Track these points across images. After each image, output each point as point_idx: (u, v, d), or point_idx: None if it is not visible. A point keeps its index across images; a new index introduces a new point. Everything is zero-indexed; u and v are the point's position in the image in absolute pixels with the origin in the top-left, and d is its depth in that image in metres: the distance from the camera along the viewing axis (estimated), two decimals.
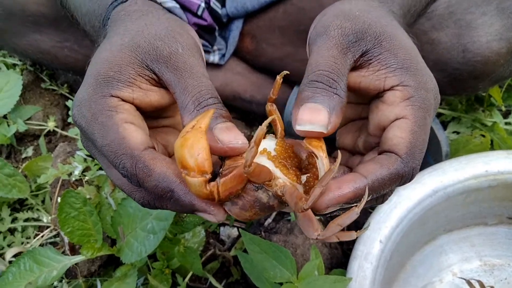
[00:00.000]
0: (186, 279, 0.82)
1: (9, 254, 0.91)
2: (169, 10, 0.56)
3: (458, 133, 1.11)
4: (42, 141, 1.06)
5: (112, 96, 0.41)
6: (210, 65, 1.08)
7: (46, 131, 1.09)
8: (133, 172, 0.39)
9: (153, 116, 0.50)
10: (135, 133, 0.41)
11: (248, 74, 1.11)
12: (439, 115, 1.11)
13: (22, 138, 1.11)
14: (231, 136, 0.38)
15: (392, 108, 0.41)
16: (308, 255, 0.84)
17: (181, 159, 0.34)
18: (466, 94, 1.01)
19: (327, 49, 0.41)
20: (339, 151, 0.39)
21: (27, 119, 1.09)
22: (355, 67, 0.43)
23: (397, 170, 0.39)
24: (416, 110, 0.40)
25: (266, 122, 0.34)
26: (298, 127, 0.38)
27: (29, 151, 1.10)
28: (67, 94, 1.16)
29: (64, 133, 1.09)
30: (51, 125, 1.08)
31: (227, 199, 0.38)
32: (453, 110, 1.12)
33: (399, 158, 0.39)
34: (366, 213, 0.91)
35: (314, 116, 0.38)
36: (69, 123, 1.13)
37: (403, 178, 0.40)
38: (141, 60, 0.42)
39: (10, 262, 0.90)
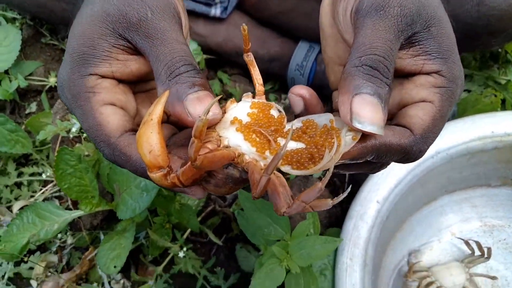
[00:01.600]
0: (185, 235, 0.84)
1: (16, 206, 0.94)
2: None
3: (469, 91, 1.07)
4: (44, 97, 1.06)
5: (91, 74, 0.40)
6: (211, 19, 1.04)
7: (47, 87, 1.08)
8: (112, 158, 0.40)
9: (145, 80, 0.48)
10: (111, 117, 0.40)
11: (251, 28, 1.07)
12: None
13: (25, 93, 1.12)
14: (202, 107, 0.36)
15: (419, 90, 0.40)
16: (305, 213, 0.84)
17: (140, 155, 0.34)
18: (479, 50, 0.95)
19: (385, 30, 0.37)
20: (292, 126, 0.37)
21: (29, 75, 1.09)
22: None
23: (406, 145, 0.38)
24: (444, 100, 0.39)
25: (206, 109, 0.32)
26: (359, 126, 0.34)
27: (33, 107, 1.10)
28: None
29: None
30: (52, 81, 1.08)
31: (194, 184, 0.37)
32: (466, 67, 1.07)
33: (412, 135, 0.38)
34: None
35: (374, 115, 0.34)
36: None
37: (408, 155, 0.39)
38: (113, 30, 0.40)
39: (17, 214, 0.93)
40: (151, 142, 0.33)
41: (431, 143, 0.40)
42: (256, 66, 0.44)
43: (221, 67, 1.15)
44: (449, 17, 0.67)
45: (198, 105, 0.37)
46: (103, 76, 0.41)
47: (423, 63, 0.40)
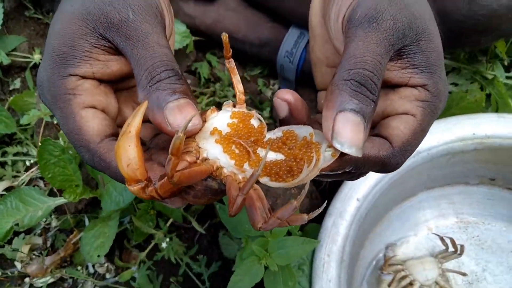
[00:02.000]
0: (169, 223, 0.85)
1: (0, 187, 0.94)
2: None
3: (456, 84, 1.07)
4: (28, 75, 1.04)
5: (71, 75, 0.39)
6: (202, 0, 1.01)
7: (32, 64, 1.06)
8: (92, 164, 0.39)
9: (129, 76, 0.47)
10: (91, 121, 0.39)
11: (242, 10, 1.05)
12: None
13: (9, 69, 1.09)
14: (182, 117, 0.36)
15: (404, 102, 0.40)
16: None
17: (118, 167, 0.34)
18: (468, 47, 0.95)
19: (376, 43, 0.37)
20: (273, 135, 0.38)
21: (12, 50, 1.06)
22: None
23: (384, 157, 0.39)
24: (426, 114, 0.40)
25: (184, 125, 0.32)
26: (338, 146, 0.35)
27: (17, 83, 1.08)
28: None
29: None
30: (36, 57, 1.05)
31: (172, 196, 0.37)
32: (454, 59, 1.07)
33: (391, 148, 0.39)
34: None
35: (355, 136, 0.35)
36: None
37: (385, 167, 0.40)
38: (93, 30, 0.39)
39: (1, 195, 0.93)
40: (129, 155, 0.33)
41: (409, 156, 0.41)
42: (237, 74, 0.44)
43: (210, 49, 1.14)
44: (439, 13, 0.65)
45: (178, 115, 0.36)
46: (83, 77, 0.40)
47: (410, 76, 0.40)
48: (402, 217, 0.87)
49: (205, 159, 0.38)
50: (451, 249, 0.83)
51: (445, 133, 0.76)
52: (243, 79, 1.12)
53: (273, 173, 0.37)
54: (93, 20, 0.39)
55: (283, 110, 0.43)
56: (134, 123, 0.34)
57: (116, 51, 0.41)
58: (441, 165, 0.80)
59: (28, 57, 1.06)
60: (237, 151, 0.38)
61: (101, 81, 0.42)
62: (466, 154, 0.78)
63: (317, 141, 0.38)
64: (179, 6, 1.02)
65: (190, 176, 0.35)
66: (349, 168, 0.39)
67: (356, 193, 0.74)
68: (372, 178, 0.75)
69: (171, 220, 0.87)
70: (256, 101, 1.08)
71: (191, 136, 0.39)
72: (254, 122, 0.41)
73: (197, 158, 0.38)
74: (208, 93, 1.08)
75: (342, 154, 0.37)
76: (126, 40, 0.38)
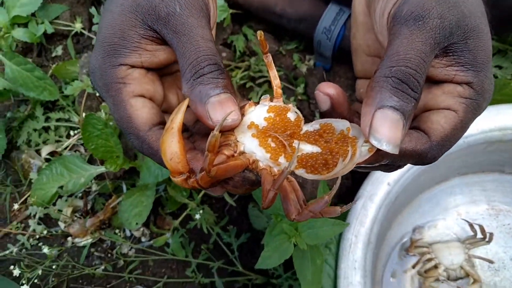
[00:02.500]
0: (201, 194, 0.89)
1: (44, 151, 0.99)
2: None
3: (501, 67, 1.03)
4: (70, 44, 1.07)
5: (121, 64, 0.41)
6: None
7: (73, 32, 1.09)
8: (141, 150, 0.42)
9: (174, 62, 0.49)
10: (141, 110, 0.41)
11: None
12: None
13: (52, 36, 1.12)
14: (222, 112, 0.37)
15: (446, 98, 0.40)
16: (318, 183, 0.87)
17: (163, 160, 0.36)
18: None
19: (421, 42, 0.36)
20: (310, 127, 0.39)
21: (55, 18, 1.09)
22: None
23: (421, 151, 0.39)
24: (468, 112, 0.39)
25: (219, 124, 0.34)
26: (375, 142, 0.35)
27: (59, 50, 1.12)
28: None
29: (92, 35, 1.09)
30: (78, 26, 1.08)
31: (213, 186, 0.39)
32: (501, 41, 1.02)
33: (429, 141, 0.39)
34: None
35: (392, 134, 0.35)
36: (96, 23, 1.11)
37: (422, 160, 0.40)
38: (142, 21, 0.40)
39: (45, 159, 0.99)
40: (172, 150, 0.36)
41: (446, 151, 0.41)
42: (274, 68, 0.45)
43: (247, 22, 1.13)
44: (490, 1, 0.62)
45: (219, 110, 0.38)
46: (132, 66, 0.42)
47: (455, 73, 0.40)
48: (432, 200, 0.87)
49: (242, 153, 0.40)
50: (479, 235, 0.83)
51: (484, 122, 0.75)
52: (278, 53, 1.11)
53: (308, 165, 0.38)
54: (142, 12, 0.40)
55: (325, 104, 0.43)
56: (176, 120, 0.36)
57: (163, 41, 0.42)
58: (477, 152, 0.79)
59: (70, 26, 1.08)
60: (273, 144, 0.39)
61: (148, 69, 0.44)
62: (504, 143, 0.77)
63: (354, 135, 0.39)
64: None
65: (227, 170, 0.36)
66: (385, 161, 0.40)
67: (387, 178, 0.74)
68: None
69: (203, 191, 0.90)
70: (290, 77, 1.08)
71: (230, 130, 0.40)
72: (291, 115, 0.42)
73: (235, 152, 0.40)
74: (243, 67, 1.08)
75: (379, 149, 0.38)
76: (172, 33, 0.40)
